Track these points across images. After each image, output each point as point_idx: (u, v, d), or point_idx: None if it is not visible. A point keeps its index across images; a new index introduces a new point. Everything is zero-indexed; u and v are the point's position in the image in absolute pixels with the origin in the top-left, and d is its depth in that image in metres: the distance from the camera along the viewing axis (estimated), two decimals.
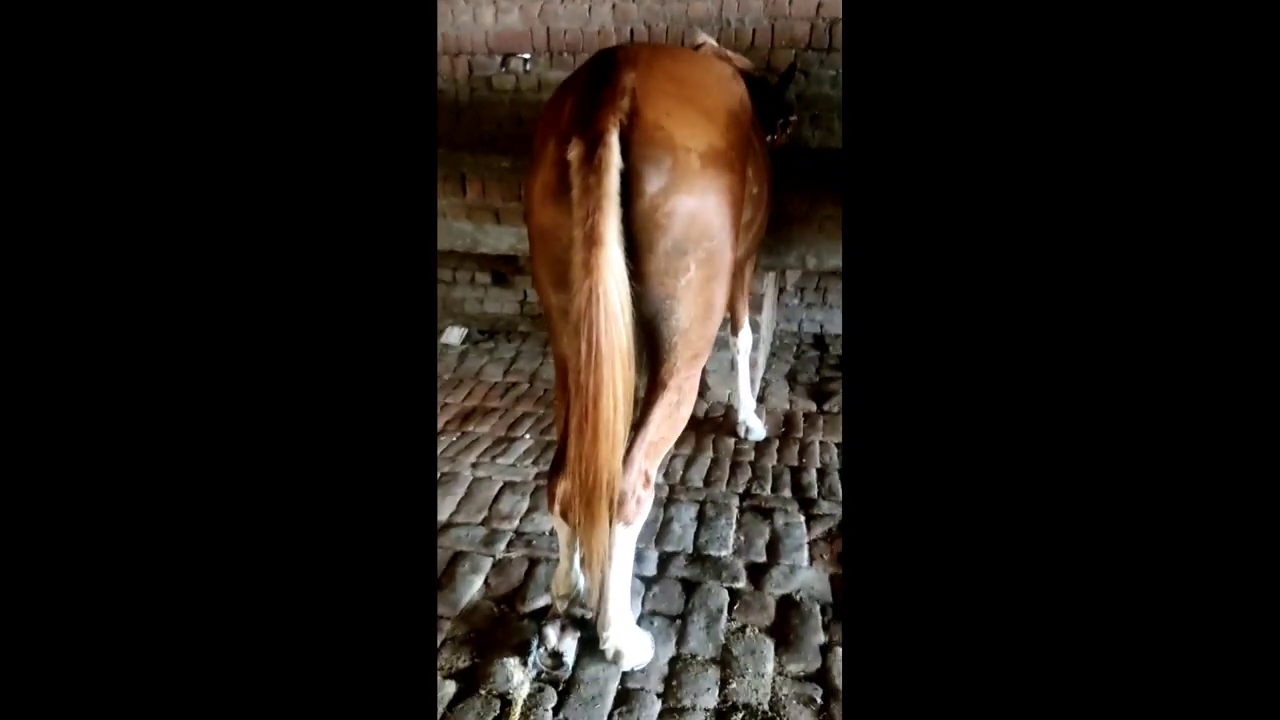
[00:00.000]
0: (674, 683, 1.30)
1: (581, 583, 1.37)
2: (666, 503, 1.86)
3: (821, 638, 1.40)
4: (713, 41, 2.07)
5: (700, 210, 1.01)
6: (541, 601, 1.50)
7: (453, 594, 1.53)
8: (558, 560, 1.39)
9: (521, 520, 1.79)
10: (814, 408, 2.47)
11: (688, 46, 2.17)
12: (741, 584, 1.56)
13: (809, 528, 1.76)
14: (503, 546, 1.69)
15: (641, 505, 1.18)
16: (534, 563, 1.63)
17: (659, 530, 1.75)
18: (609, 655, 1.29)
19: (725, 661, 1.35)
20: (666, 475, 2.00)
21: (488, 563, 1.63)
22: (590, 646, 1.33)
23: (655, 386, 1.15)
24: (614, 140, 0.94)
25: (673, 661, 1.35)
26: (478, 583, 1.56)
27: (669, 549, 1.68)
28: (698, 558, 1.65)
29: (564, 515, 1.18)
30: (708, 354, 1.19)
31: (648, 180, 0.97)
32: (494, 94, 3.09)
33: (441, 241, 2.67)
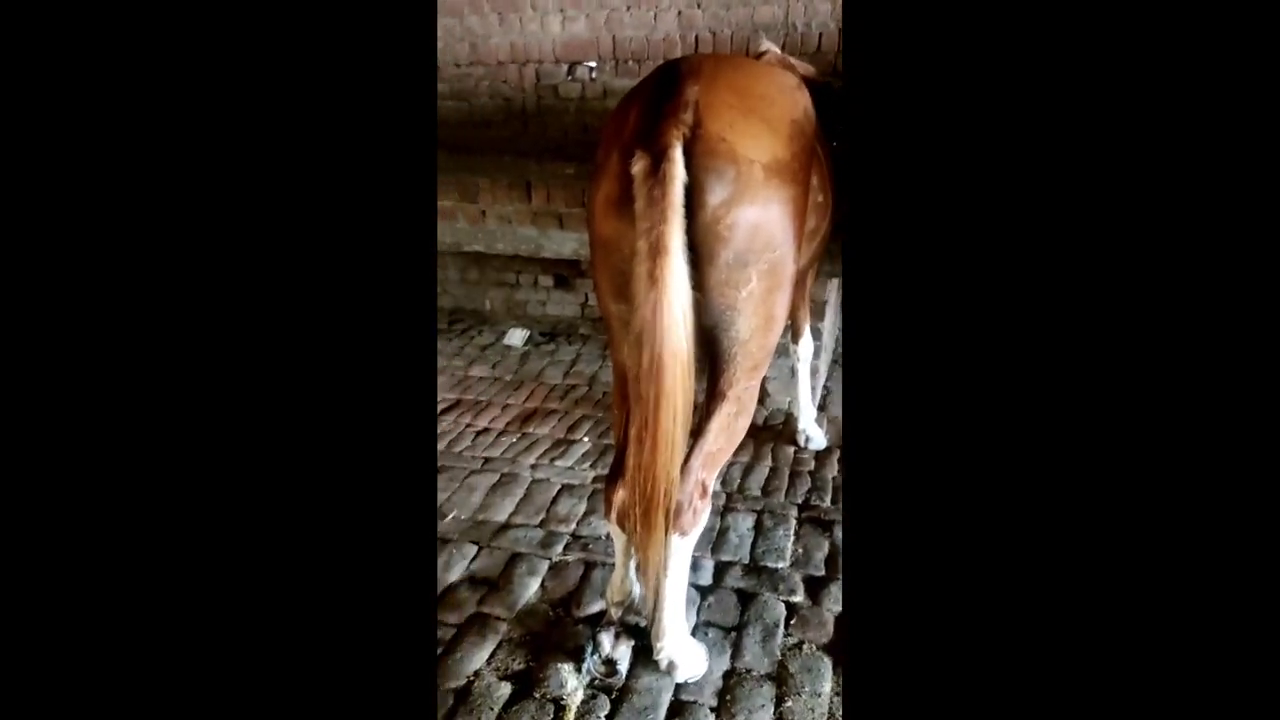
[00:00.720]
0: (728, 697, 1.28)
1: (637, 590, 1.37)
2: (724, 511, 1.85)
3: None
4: (776, 49, 2.04)
5: (763, 222, 0.99)
6: (597, 607, 1.51)
7: (510, 596, 1.56)
8: (614, 566, 1.40)
9: (579, 524, 1.81)
10: None
11: (751, 55, 2.14)
12: (799, 598, 1.53)
13: None
14: (559, 549, 1.71)
15: (698, 515, 1.17)
16: (590, 567, 1.64)
17: (715, 539, 1.73)
18: (663, 665, 1.28)
19: (781, 678, 1.32)
20: (724, 483, 1.98)
21: (544, 565, 1.65)
22: (644, 655, 1.33)
23: (714, 397, 1.14)
24: (678, 153, 0.94)
25: (727, 675, 1.33)
26: (534, 585, 1.59)
27: (725, 558, 1.66)
28: (754, 569, 1.62)
29: (620, 523, 1.19)
30: (767, 365, 1.17)
31: (710, 192, 0.96)
32: (560, 102, 3.14)
33: (506, 245, 2.73)
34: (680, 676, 1.28)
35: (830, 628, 1.44)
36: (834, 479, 2.00)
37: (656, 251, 0.94)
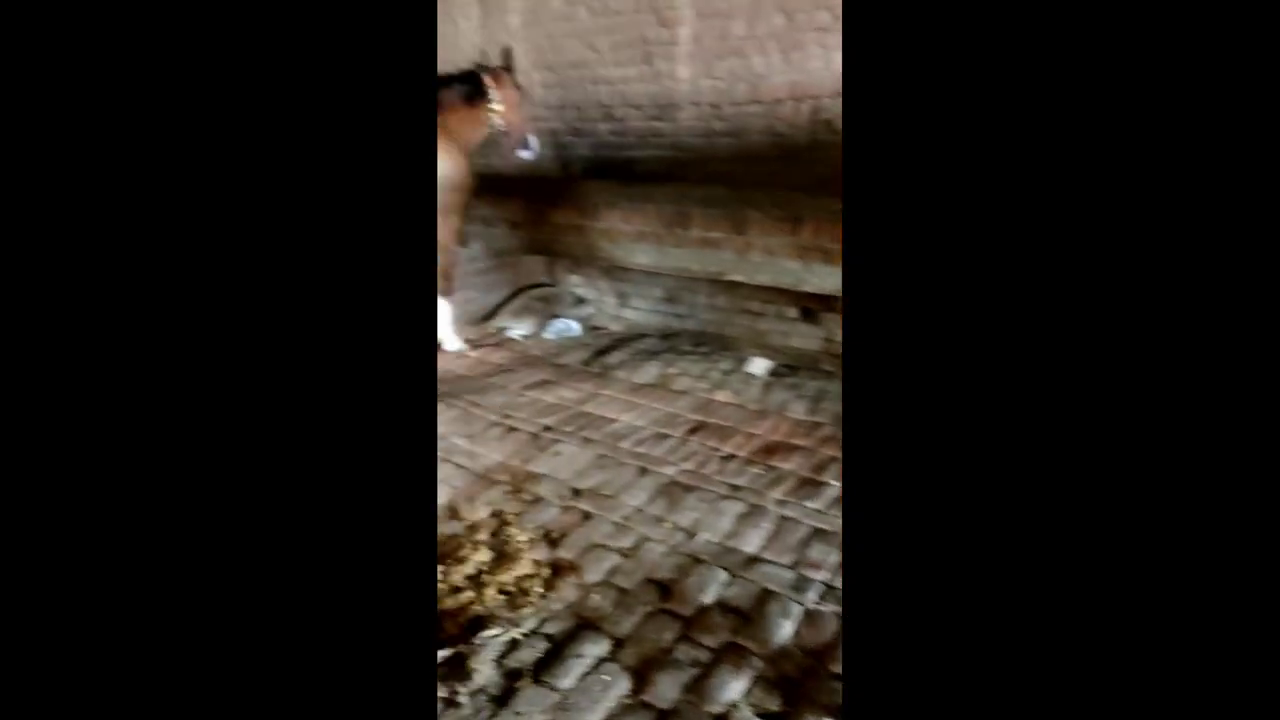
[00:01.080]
0: None
1: None
2: None
3: None
4: None
5: None
6: None
7: (762, 632, 1.54)
8: None
9: (834, 574, 1.74)
10: None
11: None
12: None
13: None
14: (814, 596, 1.65)
15: None
16: None
17: None
18: None
19: None
20: None
21: (798, 610, 1.61)
22: None
23: None
24: None
25: None
26: (788, 628, 1.56)
27: None
28: None
29: None
30: None
31: None
32: (834, 136, 3.11)
33: (769, 277, 2.77)
34: None
35: None
36: None
37: None
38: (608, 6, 3.55)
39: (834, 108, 3.08)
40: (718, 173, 3.31)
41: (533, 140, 3.25)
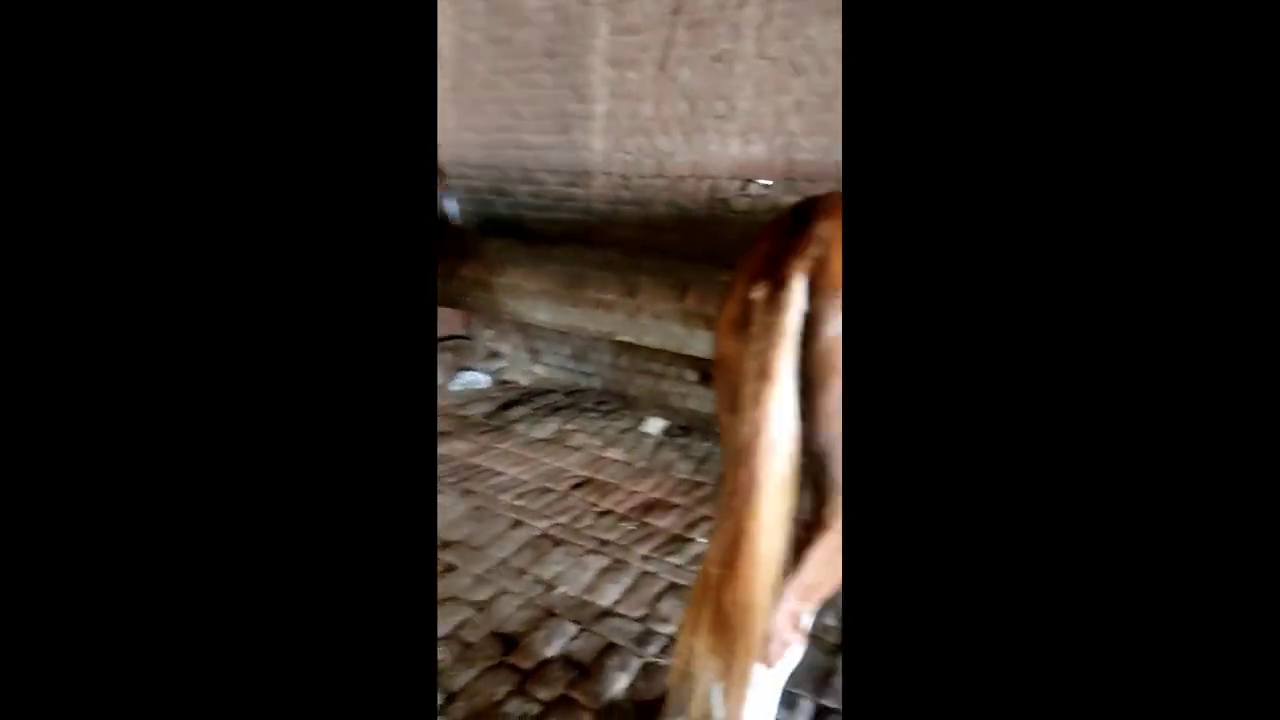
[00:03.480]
0: None
1: (720, 713, 1.32)
2: (836, 650, 1.72)
3: None
4: None
5: None
6: None
7: (596, 685, 1.56)
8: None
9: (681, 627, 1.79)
10: None
11: None
12: None
13: None
14: (654, 649, 1.69)
15: (787, 649, 1.13)
16: (685, 676, 1.60)
17: (819, 679, 1.61)
18: None
19: None
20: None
21: (637, 664, 1.64)
22: None
23: (817, 527, 1.11)
24: (798, 283, 0.99)
25: None
26: (623, 681, 1.58)
27: (827, 703, 1.54)
28: None
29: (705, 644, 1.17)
30: None
31: (828, 324, 0.99)
32: (730, 213, 3.34)
33: (656, 339, 2.89)
34: None
35: None
36: None
37: (763, 375, 0.98)
38: (530, 80, 3.77)
39: (729, 188, 3.32)
40: (623, 238, 3.49)
41: (449, 204, 3.38)
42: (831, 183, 3.11)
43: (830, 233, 1.05)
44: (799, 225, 1.08)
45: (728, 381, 1.13)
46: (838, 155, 3.07)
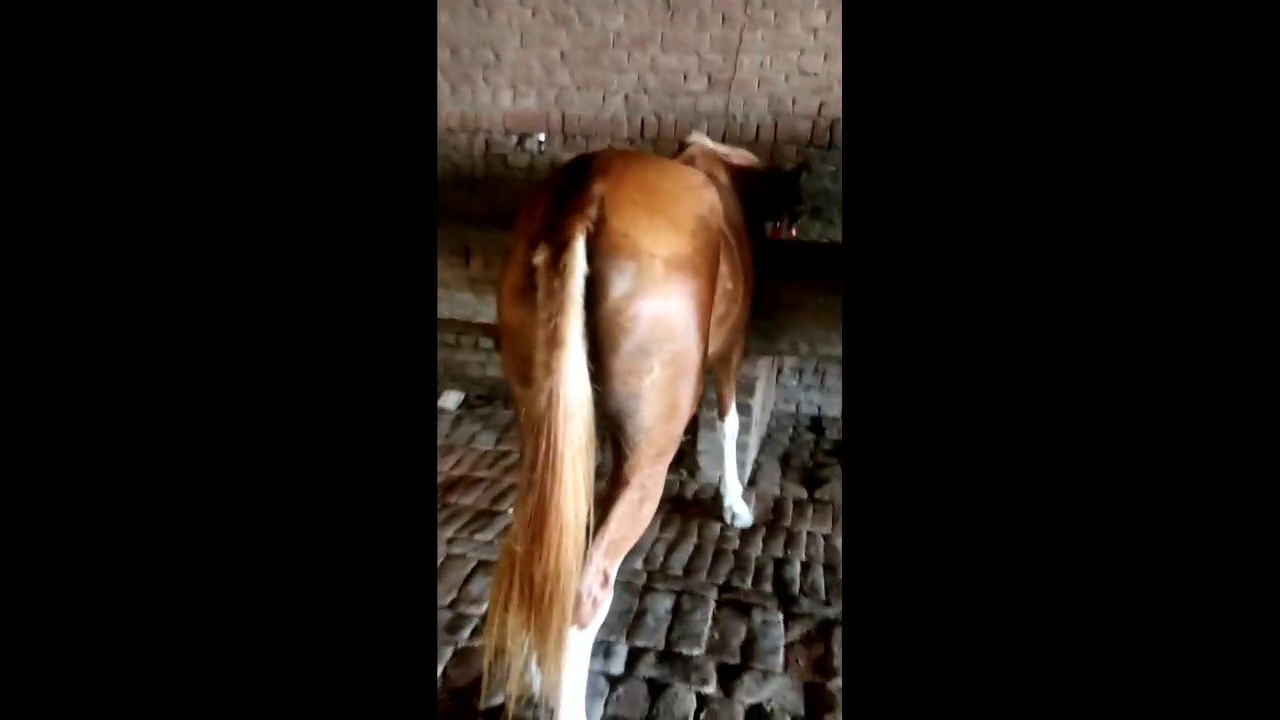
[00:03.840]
0: None
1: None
2: (643, 592, 1.81)
3: None
4: (705, 140, 2.14)
5: (664, 314, 1.02)
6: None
7: None
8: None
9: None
10: (805, 494, 2.42)
11: (680, 141, 2.25)
12: (711, 689, 1.49)
13: (787, 628, 1.68)
14: (467, 634, 1.63)
15: (598, 606, 1.14)
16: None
17: (632, 622, 1.68)
18: None
19: None
20: (646, 561, 1.95)
21: (449, 651, 1.57)
22: None
23: (617, 484, 1.13)
24: (579, 246, 0.96)
25: None
26: (435, 668, 1.50)
27: (640, 643, 1.61)
28: (669, 655, 1.58)
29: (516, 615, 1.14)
30: (673, 452, 1.18)
31: (613, 285, 0.98)
32: (509, 170, 3.21)
33: (443, 310, 2.72)
34: None
35: None
36: (757, 559, 1.99)
37: (553, 342, 0.95)
38: None
39: (506, 144, 3.18)
40: None
41: None
42: (606, 139, 3.12)
43: (607, 191, 1.03)
44: (574, 185, 1.04)
45: (516, 352, 1.07)
46: (609, 112, 3.08)
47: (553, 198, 1.05)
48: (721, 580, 1.89)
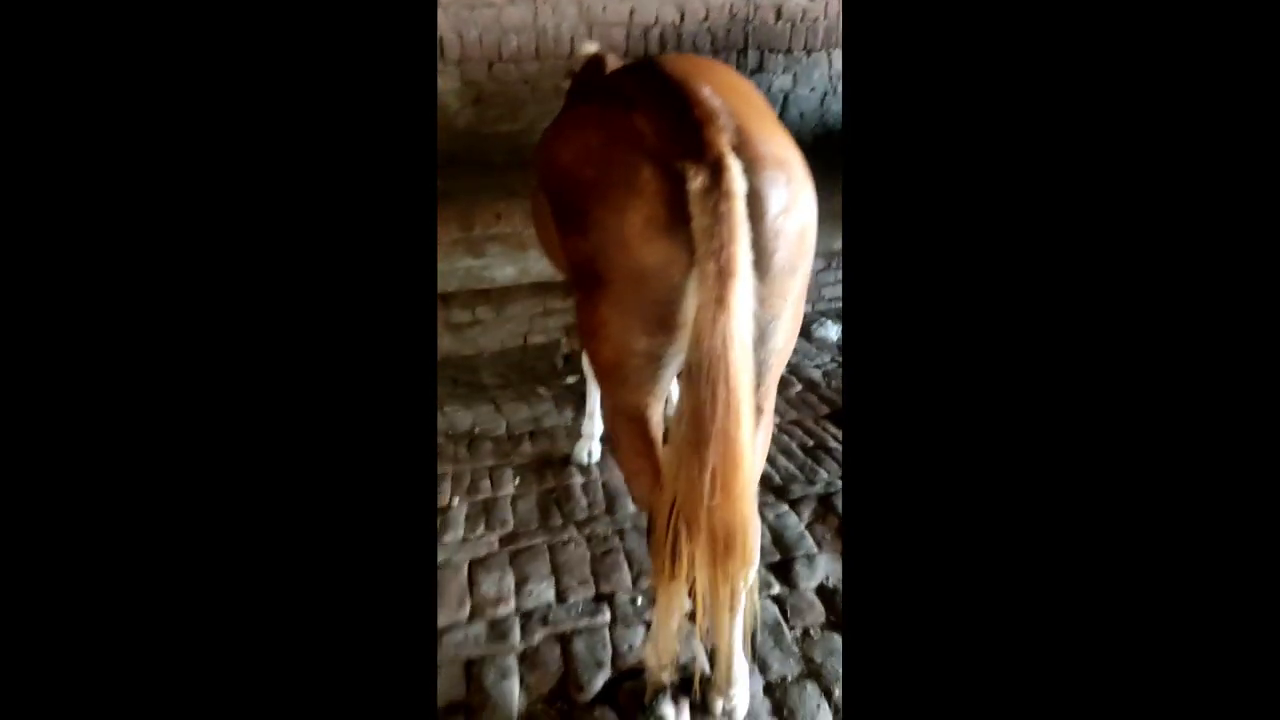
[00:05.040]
0: (785, 711, 1.25)
1: (693, 644, 1.24)
2: None
3: None
4: (594, 46, 1.98)
5: (808, 226, 0.96)
6: (601, 680, 1.32)
7: (494, 712, 1.27)
8: (602, 629, 1.23)
9: (519, 598, 1.55)
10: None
11: (580, 55, 2.05)
12: (778, 589, 1.56)
13: (798, 515, 1.81)
14: (518, 636, 1.45)
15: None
16: (565, 640, 1.43)
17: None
18: (720, 712, 1.19)
19: (814, 672, 1.34)
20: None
21: (513, 660, 1.38)
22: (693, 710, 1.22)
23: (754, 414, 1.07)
24: (735, 163, 0.84)
25: (769, 690, 1.30)
26: (514, 688, 1.32)
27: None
28: None
29: (692, 581, 1.05)
30: None
31: (771, 201, 0.89)
32: None
33: None
34: (740, 716, 1.21)
35: (820, 606, 1.51)
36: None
37: (727, 274, 0.84)
38: None
39: None
40: None
41: None
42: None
43: (722, 99, 0.91)
44: (678, 98, 0.89)
45: (651, 297, 0.92)
46: None
47: (660, 113, 0.89)
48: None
